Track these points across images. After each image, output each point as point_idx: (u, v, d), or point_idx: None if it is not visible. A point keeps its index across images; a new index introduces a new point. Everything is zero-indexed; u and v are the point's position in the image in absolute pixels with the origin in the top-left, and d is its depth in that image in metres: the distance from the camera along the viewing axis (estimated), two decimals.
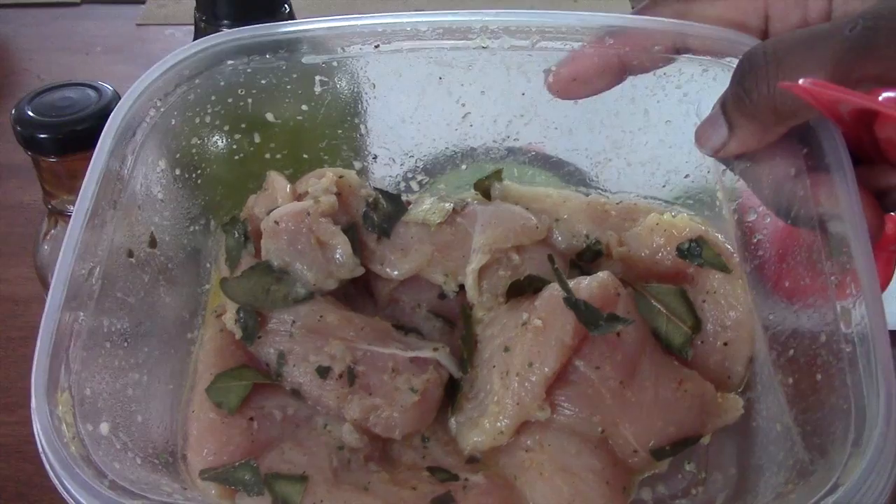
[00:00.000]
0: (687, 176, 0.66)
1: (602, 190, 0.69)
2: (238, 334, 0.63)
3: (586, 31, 0.57)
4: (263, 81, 0.61)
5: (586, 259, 0.67)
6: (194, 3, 0.78)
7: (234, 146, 0.65)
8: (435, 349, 0.63)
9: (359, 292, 0.67)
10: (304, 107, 0.64)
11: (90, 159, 0.55)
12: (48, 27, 1.38)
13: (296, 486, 0.57)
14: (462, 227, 0.65)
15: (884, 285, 0.73)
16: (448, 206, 0.65)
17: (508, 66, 0.60)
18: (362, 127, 0.66)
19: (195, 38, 0.77)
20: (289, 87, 0.62)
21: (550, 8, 1.42)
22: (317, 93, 0.63)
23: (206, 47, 0.58)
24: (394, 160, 0.68)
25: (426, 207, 0.65)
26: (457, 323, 0.66)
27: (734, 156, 0.55)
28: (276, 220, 0.62)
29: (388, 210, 0.65)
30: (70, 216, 0.54)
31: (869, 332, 0.48)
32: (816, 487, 0.47)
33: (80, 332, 0.52)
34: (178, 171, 0.62)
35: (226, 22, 0.74)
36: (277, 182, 0.64)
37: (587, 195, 0.69)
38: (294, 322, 0.62)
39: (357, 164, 0.68)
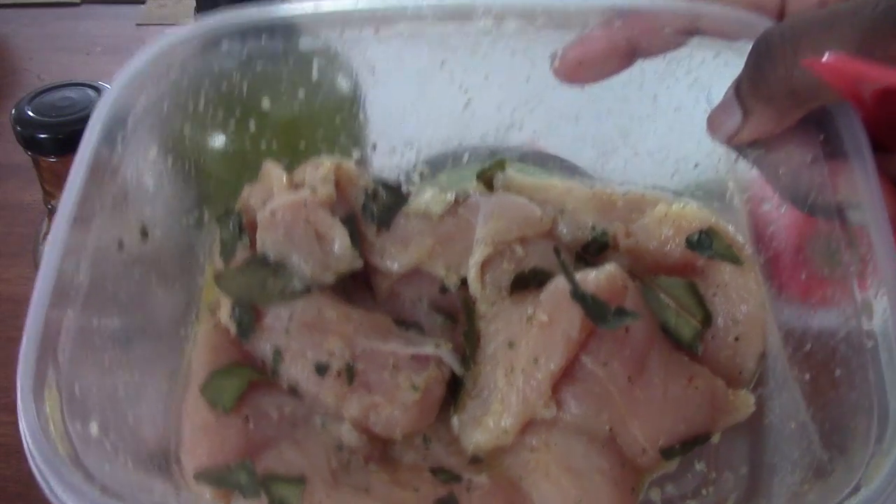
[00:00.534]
0: (697, 165, 0.64)
1: (609, 180, 0.67)
2: (233, 330, 0.60)
3: (594, 12, 0.54)
4: (259, 66, 0.59)
5: (592, 251, 0.65)
6: (194, 3, 0.77)
7: (229, 135, 0.62)
8: (436, 345, 0.60)
9: (358, 286, 0.65)
10: (301, 93, 0.61)
11: None
12: (48, 27, 1.37)
13: (294, 489, 0.55)
14: (464, 219, 0.63)
15: None
16: (450, 196, 0.63)
17: (513, 50, 0.58)
18: (361, 115, 0.64)
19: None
20: (285, 72, 0.60)
21: None
22: (314, 78, 0.60)
23: (200, 30, 0.56)
24: (394, 149, 0.66)
25: (427, 198, 0.63)
26: (459, 318, 0.64)
27: (748, 142, 0.53)
28: (272, 211, 0.60)
29: (388, 201, 0.63)
30: None
31: (892, 325, 0.46)
32: (837, 488, 0.46)
33: (68, 328, 0.50)
34: (170, 161, 0.60)
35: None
36: (273, 172, 0.62)
37: (592, 186, 0.67)
38: (291, 317, 0.60)
39: (356, 154, 0.66)
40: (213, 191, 0.64)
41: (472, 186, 0.67)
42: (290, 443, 0.58)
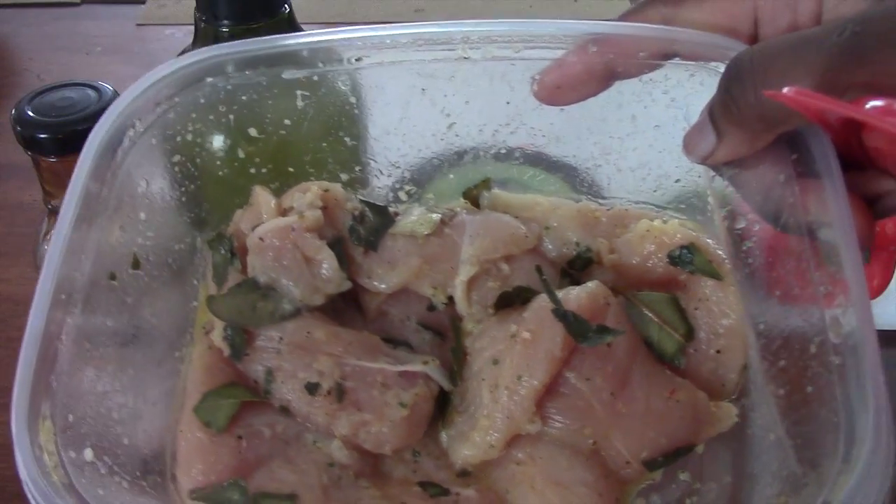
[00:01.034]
0: (678, 181, 0.65)
1: (593, 196, 0.68)
2: (226, 351, 0.62)
3: (569, 39, 0.56)
4: (244, 97, 0.60)
5: (577, 267, 0.66)
6: (194, 3, 0.78)
7: (218, 162, 0.64)
8: (424, 362, 0.62)
9: (347, 306, 0.66)
10: (286, 121, 0.63)
11: None
12: (48, 27, 1.37)
13: None
14: (450, 238, 0.64)
15: (883, 286, 0.72)
16: (436, 216, 0.64)
17: (492, 75, 0.59)
18: (347, 139, 0.65)
19: (195, 38, 0.77)
20: (270, 102, 0.61)
21: (549, 7, 1.42)
22: (299, 107, 0.62)
23: (184, 65, 0.57)
24: (381, 171, 0.67)
25: (414, 219, 0.64)
26: (447, 335, 0.66)
27: (722, 162, 0.54)
28: (261, 236, 0.62)
29: (375, 223, 0.64)
30: None
31: (858, 342, 0.47)
32: (808, 502, 0.47)
33: (62, 360, 0.51)
34: (160, 191, 0.61)
35: (226, 22, 0.73)
36: (262, 197, 0.64)
37: (578, 201, 0.68)
38: (281, 339, 0.61)
39: (344, 176, 0.67)
40: (205, 216, 0.66)
41: (459, 204, 0.68)
42: (282, 461, 0.60)
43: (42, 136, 0.72)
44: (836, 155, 0.51)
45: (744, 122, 0.50)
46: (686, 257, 0.62)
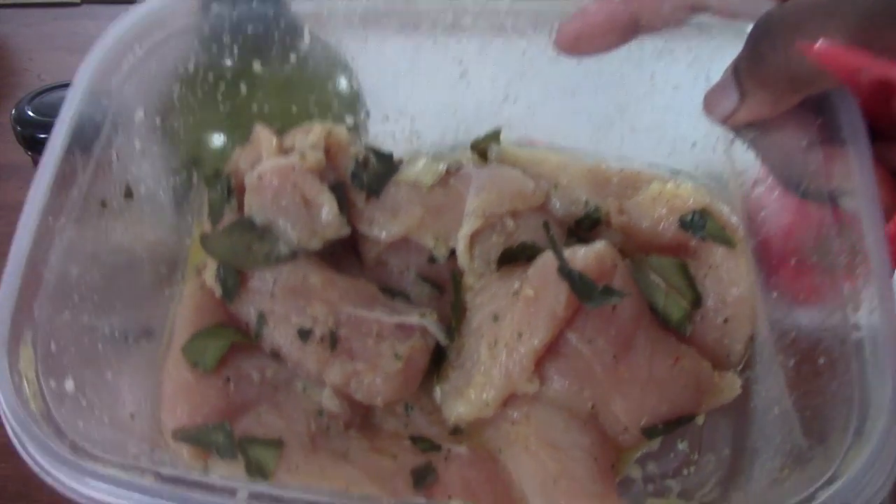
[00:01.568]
0: (694, 144, 0.63)
1: (605, 156, 0.65)
2: (218, 292, 0.60)
3: None
4: (250, 29, 0.58)
5: (585, 227, 0.64)
6: None
7: (219, 96, 0.62)
8: (422, 315, 0.60)
9: (345, 252, 0.64)
10: (292, 57, 0.60)
11: None
12: (48, 27, 1.36)
13: (271, 452, 0.55)
14: (455, 190, 0.62)
15: None
16: (441, 167, 0.62)
17: (507, 26, 0.57)
18: (354, 82, 0.63)
19: None
20: (276, 35, 0.59)
21: None
22: (306, 43, 0.59)
23: None
24: (388, 117, 0.65)
25: (419, 168, 0.62)
26: (446, 288, 0.64)
27: (744, 124, 0.52)
28: (260, 175, 0.59)
29: (379, 169, 0.62)
30: None
31: (878, 317, 0.45)
32: (814, 476, 0.45)
33: (46, 285, 0.50)
34: (157, 121, 0.59)
35: None
36: (263, 136, 0.62)
37: (588, 161, 0.66)
38: (275, 282, 0.59)
39: (349, 120, 0.65)
40: (203, 152, 0.63)
41: (466, 157, 0.66)
42: (270, 406, 0.58)
43: (42, 136, 0.72)
44: (864, 122, 0.49)
45: (770, 81, 0.48)
46: (698, 222, 0.60)
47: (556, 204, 0.64)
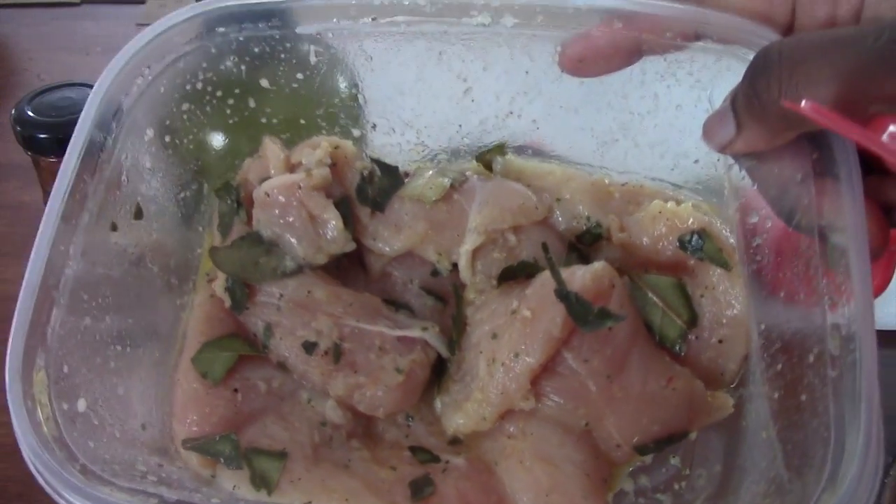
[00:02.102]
0: (696, 161, 0.63)
1: (609, 169, 0.66)
2: (227, 303, 0.62)
3: (595, 14, 0.53)
4: (256, 49, 0.59)
5: (586, 242, 0.65)
6: (194, 3, 0.76)
7: (228, 111, 0.63)
8: (424, 328, 0.62)
9: (351, 264, 0.66)
10: (299, 75, 0.61)
11: None
12: (48, 27, 1.36)
13: (274, 463, 0.58)
14: (458, 205, 0.63)
15: (883, 286, 0.70)
16: (446, 181, 0.63)
17: (511, 45, 0.57)
18: (360, 97, 0.64)
19: None
20: (283, 55, 0.60)
21: None
22: (312, 62, 0.60)
23: (195, 15, 0.56)
24: (394, 130, 0.66)
25: (423, 182, 0.63)
26: (449, 301, 0.65)
27: (741, 154, 0.53)
28: (267, 191, 0.61)
29: (384, 183, 0.63)
30: None
31: (857, 358, 0.46)
32: None
33: (59, 310, 0.52)
34: (167, 139, 0.60)
35: None
36: (271, 150, 0.63)
37: (593, 174, 0.66)
38: (282, 295, 0.61)
39: (356, 132, 0.66)
40: (213, 164, 0.65)
41: (472, 167, 0.67)
42: (275, 417, 0.60)
43: (42, 135, 0.73)
44: (857, 159, 0.49)
45: (765, 117, 0.48)
46: (696, 243, 0.61)
47: (559, 218, 0.65)
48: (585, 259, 0.64)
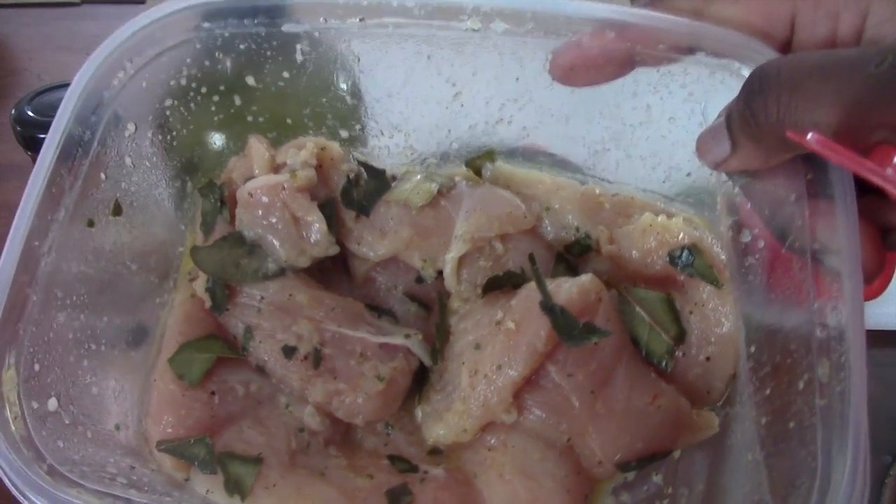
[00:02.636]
0: (689, 174, 0.62)
1: (600, 179, 0.65)
2: (207, 303, 0.61)
3: (585, 22, 0.52)
4: (242, 46, 0.58)
5: (574, 252, 0.64)
6: None
7: (213, 108, 0.61)
8: (407, 336, 0.61)
9: (335, 267, 0.65)
10: (285, 73, 0.60)
11: None
12: (48, 27, 1.34)
13: (249, 468, 0.57)
14: (445, 211, 0.62)
15: (883, 287, 0.69)
16: (433, 186, 0.62)
17: (501, 50, 0.56)
18: (347, 97, 0.62)
19: None
20: (269, 53, 0.58)
21: None
22: (298, 61, 0.59)
23: (179, 9, 0.54)
24: (382, 132, 0.65)
25: (410, 187, 0.62)
26: (433, 308, 0.64)
27: (735, 171, 0.51)
28: (250, 191, 0.60)
29: (370, 186, 0.62)
30: None
31: (848, 389, 0.44)
32: None
33: (31, 308, 0.51)
34: (150, 135, 0.59)
35: None
36: (256, 150, 0.61)
37: (584, 183, 0.65)
38: (262, 298, 0.60)
39: (343, 133, 0.65)
40: (197, 161, 0.64)
41: (461, 173, 0.65)
42: (252, 421, 0.59)
43: (42, 136, 0.70)
44: (852, 180, 0.48)
45: (761, 138, 0.46)
46: (687, 259, 0.60)
47: (548, 227, 0.64)
48: (573, 270, 0.63)
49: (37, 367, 0.51)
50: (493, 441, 0.58)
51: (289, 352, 0.59)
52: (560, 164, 0.64)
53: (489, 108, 0.62)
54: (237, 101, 0.62)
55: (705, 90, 0.55)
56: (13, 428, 0.48)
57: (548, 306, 0.56)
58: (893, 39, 0.46)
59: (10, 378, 0.49)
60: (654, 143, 0.61)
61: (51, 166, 0.52)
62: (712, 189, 0.61)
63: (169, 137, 0.61)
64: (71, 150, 0.53)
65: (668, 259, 0.60)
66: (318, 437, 0.60)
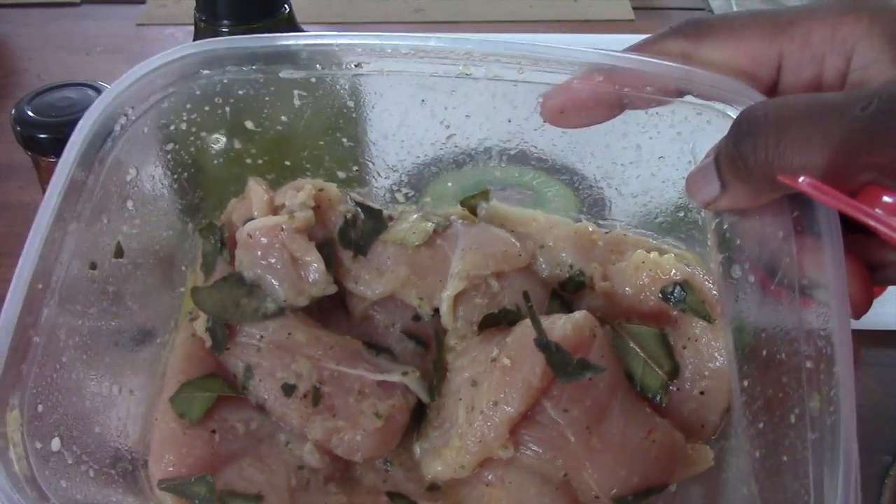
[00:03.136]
0: (680, 211, 0.63)
1: (592, 217, 0.66)
2: (208, 342, 0.62)
3: (573, 66, 0.53)
4: (241, 92, 0.59)
5: (569, 289, 0.65)
6: (194, 3, 0.77)
7: (213, 152, 0.63)
8: (404, 373, 0.61)
9: (333, 306, 0.66)
10: (283, 118, 0.62)
11: None
12: (48, 27, 1.36)
13: None
14: (441, 250, 0.63)
15: (882, 288, 0.70)
16: (429, 226, 0.63)
17: (493, 93, 0.58)
18: (344, 140, 0.64)
19: (195, 38, 0.76)
20: (267, 98, 0.60)
21: (549, 6, 1.38)
22: (296, 106, 0.61)
23: (180, 56, 0.56)
24: (378, 173, 0.66)
25: (406, 226, 0.63)
26: (430, 345, 0.65)
27: (724, 210, 0.52)
28: (249, 233, 0.61)
29: (367, 227, 0.63)
30: None
31: (838, 422, 0.45)
32: None
33: (34, 350, 0.51)
34: (151, 178, 0.60)
35: (225, 22, 0.73)
36: (255, 192, 0.63)
37: (577, 220, 0.66)
38: (262, 337, 0.61)
39: (341, 175, 0.66)
40: (198, 203, 0.65)
41: (456, 212, 0.67)
42: (252, 459, 0.60)
43: (42, 136, 0.72)
44: (838, 217, 0.49)
45: (751, 179, 0.47)
46: (679, 295, 0.61)
47: (542, 265, 0.65)
48: (568, 307, 0.64)
49: (40, 407, 0.52)
50: (490, 477, 0.59)
51: (288, 390, 0.60)
52: (555, 169, 0.65)
53: (482, 149, 0.63)
54: (236, 144, 0.63)
55: (693, 129, 0.57)
56: (17, 468, 0.49)
57: (542, 343, 0.57)
58: (879, 83, 0.47)
59: (14, 419, 0.50)
60: (645, 182, 0.62)
61: (55, 210, 0.53)
62: (703, 225, 0.62)
63: (169, 181, 0.62)
64: (73, 195, 0.54)
65: (660, 295, 0.61)
66: (318, 474, 0.60)
